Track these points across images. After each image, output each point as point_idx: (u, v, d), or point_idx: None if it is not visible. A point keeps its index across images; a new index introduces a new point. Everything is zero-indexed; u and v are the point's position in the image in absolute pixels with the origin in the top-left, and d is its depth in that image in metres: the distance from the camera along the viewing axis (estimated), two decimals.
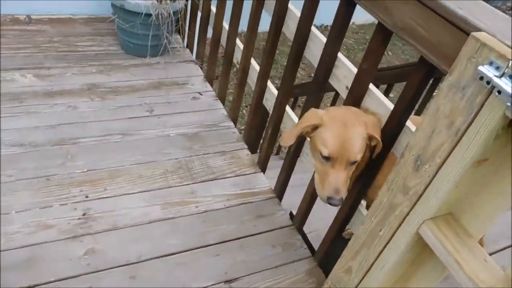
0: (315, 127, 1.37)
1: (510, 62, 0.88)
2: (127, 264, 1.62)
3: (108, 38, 2.87)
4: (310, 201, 1.80)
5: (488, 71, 0.91)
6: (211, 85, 2.67)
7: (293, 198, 1.98)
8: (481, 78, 0.93)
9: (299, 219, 1.88)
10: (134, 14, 2.49)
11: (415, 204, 1.17)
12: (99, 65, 2.62)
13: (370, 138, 1.33)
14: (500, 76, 0.90)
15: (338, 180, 1.34)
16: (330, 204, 1.37)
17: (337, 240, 1.70)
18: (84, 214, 1.75)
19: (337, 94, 3.42)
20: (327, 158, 1.34)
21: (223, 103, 2.55)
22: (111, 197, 1.84)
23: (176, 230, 1.77)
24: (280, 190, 2.01)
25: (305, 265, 1.77)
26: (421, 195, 1.15)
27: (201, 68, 2.80)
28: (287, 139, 1.45)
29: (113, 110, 2.30)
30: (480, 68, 0.92)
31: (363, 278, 1.42)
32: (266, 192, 2.03)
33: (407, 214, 1.20)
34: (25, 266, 1.54)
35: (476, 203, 1.14)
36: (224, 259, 1.71)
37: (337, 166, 1.33)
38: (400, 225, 1.23)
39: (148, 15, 2.48)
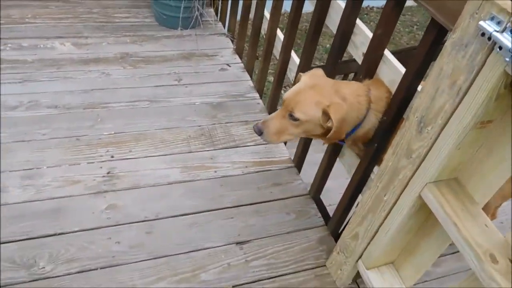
0: None
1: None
2: (144, 221, 1.70)
3: (144, 10, 2.95)
4: (325, 169, 1.81)
5: (489, 26, 0.89)
6: (240, 57, 2.70)
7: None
8: (483, 34, 0.91)
9: (315, 188, 1.90)
10: None
11: (418, 167, 1.16)
12: (133, 35, 2.71)
13: (326, 115, 1.36)
14: (502, 31, 0.87)
15: (271, 118, 1.46)
16: (252, 128, 1.50)
17: (349, 209, 1.70)
18: (108, 173, 1.85)
19: (355, 75, 3.34)
20: (283, 102, 1.46)
21: (250, 75, 2.57)
22: (135, 158, 1.93)
23: (193, 192, 1.83)
24: (298, 160, 2.03)
25: (318, 233, 1.79)
26: (424, 158, 1.14)
27: (232, 41, 2.83)
28: None
29: (143, 78, 2.39)
30: (481, 23, 0.90)
31: (369, 243, 1.43)
32: (285, 162, 2.05)
33: (411, 177, 1.19)
34: (52, 216, 1.65)
35: (481, 168, 1.12)
36: (238, 222, 1.76)
37: (280, 111, 1.45)
38: (404, 189, 1.23)
39: None
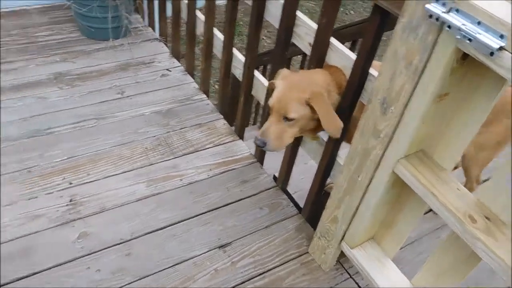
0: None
1: None
2: (121, 243, 1.66)
3: (67, 25, 2.81)
4: (290, 160, 1.86)
5: (436, 8, 0.96)
6: (178, 60, 2.67)
7: (275, 163, 2.04)
8: (430, 16, 0.98)
9: (282, 179, 1.95)
10: None
11: (387, 145, 1.24)
12: (62, 53, 2.58)
13: (310, 107, 1.43)
14: (447, 12, 0.95)
15: (267, 126, 1.49)
16: (255, 143, 1.51)
17: (320, 194, 1.77)
18: (71, 200, 1.77)
19: (304, 57, 3.45)
20: (271, 110, 1.49)
21: (192, 77, 2.56)
22: (95, 180, 1.87)
23: (165, 205, 1.81)
24: (260, 154, 2.06)
25: (294, 222, 1.85)
26: (392, 136, 1.22)
27: (166, 45, 2.79)
28: None
29: (84, 96, 2.29)
30: (428, 6, 0.98)
31: (349, 224, 1.50)
32: (247, 158, 2.08)
33: (382, 156, 1.27)
34: (22, 256, 1.56)
35: (444, 138, 1.22)
36: (215, 226, 1.77)
37: (273, 117, 1.49)
38: (376, 168, 1.30)
39: None
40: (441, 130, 1.20)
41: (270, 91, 1.56)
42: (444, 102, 1.13)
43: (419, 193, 1.19)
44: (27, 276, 1.51)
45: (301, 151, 1.82)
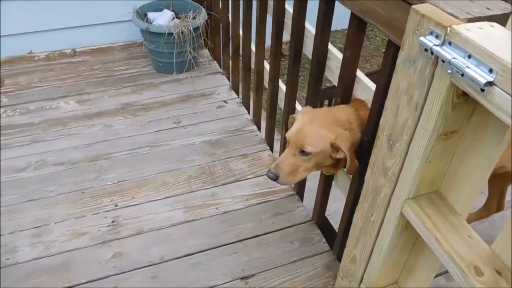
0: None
1: (448, 29, 0.87)
2: (149, 265, 1.73)
3: (141, 60, 3.07)
4: (323, 193, 1.81)
5: (429, 41, 0.91)
6: (237, 93, 2.77)
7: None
8: (426, 49, 0.93)
9: (316, 213, 1.90)
10: (158, 35, 2.66)
11: (395, 184, 1.16)
12: (132, 85, 2.82)
13: (335, 148, 1.38)
14: (441, 45, 0.89)
15: (282, 159, 1.45)
16: (267, 176, 1.46)
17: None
18: (113, 222, 1.90)
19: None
20: (288, 142, 1.47)
21: (247, 108, 2.63)
22: (138, 204, 1.98)
23: (196, 232, 1.86)
24: (299, 187, 2.04)
25: (323, 259, 1.78)
26: (399, 175, 1.14)
27: (228, 78, 2.91)
28: None
29: (143, 125, 2.47)
30: (422, 39, 0.92)
31: (366, 266, 1.41)
32: (286, 190, 2.07)
33: (391, 195, 1.19)
34: (61, 270, 1.71)
35: (457, 179, 1.11)
36: (241, 256, 1.77)
37: (288, 150, 1.45)
38: (387, 208, 1.22)
39: (171, 34, 2.64)
40: (453, 170, 1.09)
41: (290, 125, 1.55)
42: (452, 140, 1.04)
43: (424, 237, 1.09)
44: None
45: None
